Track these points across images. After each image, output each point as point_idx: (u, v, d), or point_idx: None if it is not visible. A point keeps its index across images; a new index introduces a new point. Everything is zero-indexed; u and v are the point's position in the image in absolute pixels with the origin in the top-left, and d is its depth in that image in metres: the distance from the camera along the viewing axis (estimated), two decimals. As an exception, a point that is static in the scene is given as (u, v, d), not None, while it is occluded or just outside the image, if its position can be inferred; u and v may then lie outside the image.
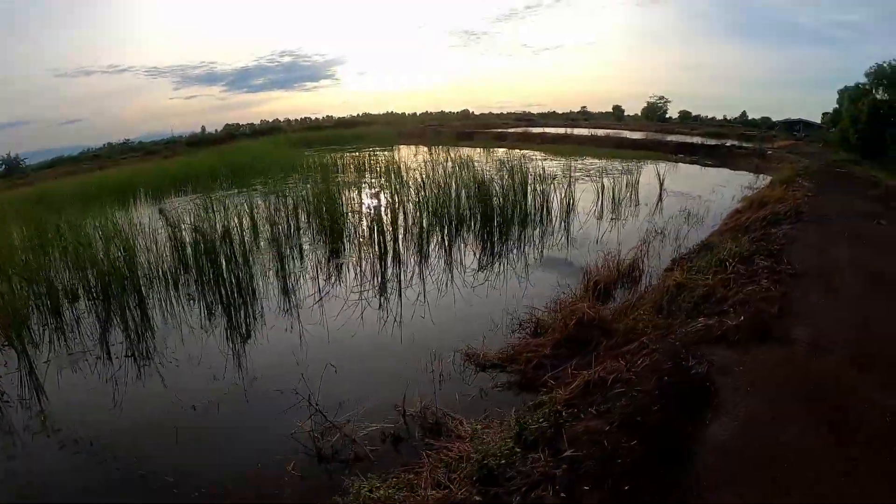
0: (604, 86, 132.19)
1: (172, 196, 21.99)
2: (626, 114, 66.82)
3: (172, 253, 10.94)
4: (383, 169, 22.47)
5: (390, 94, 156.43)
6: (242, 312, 9.14)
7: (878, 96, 28.14)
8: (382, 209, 13.20)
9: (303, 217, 14.41)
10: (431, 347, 6.84)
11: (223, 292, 9.73)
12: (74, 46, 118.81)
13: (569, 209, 15.39)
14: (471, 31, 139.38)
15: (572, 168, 23.98)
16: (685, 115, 61.30)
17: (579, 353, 6.39)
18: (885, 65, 28.55)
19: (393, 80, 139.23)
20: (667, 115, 62.23)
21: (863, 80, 29.41)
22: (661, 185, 18.56)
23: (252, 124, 68.07)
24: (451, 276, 10.47)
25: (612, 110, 68.59)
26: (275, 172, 22.75)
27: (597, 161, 26.72)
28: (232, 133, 58.69)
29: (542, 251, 12.08)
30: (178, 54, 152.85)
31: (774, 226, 10.82)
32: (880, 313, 6.07)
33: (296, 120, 71.78)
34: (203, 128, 66.33)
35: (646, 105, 64.65)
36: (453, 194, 14.35)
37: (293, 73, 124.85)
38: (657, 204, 16.88)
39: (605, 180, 18.14)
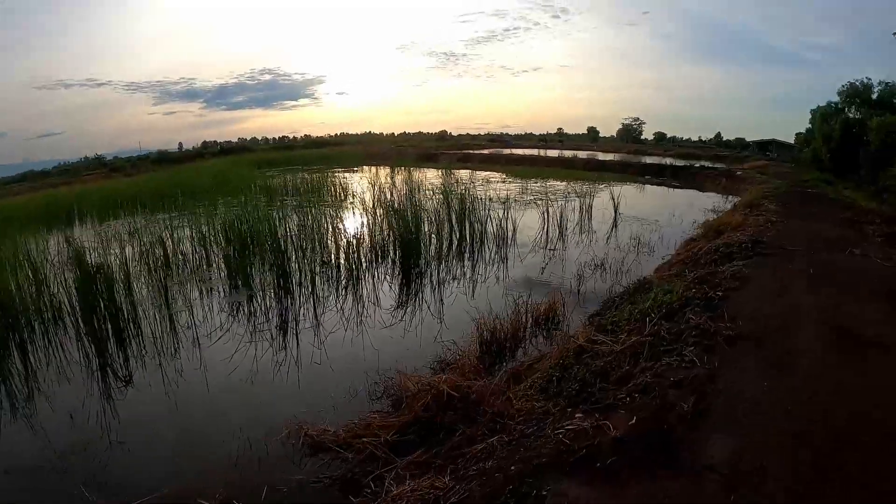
0: (580, 107, 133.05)
1: (117, 218, 19.83)
2: (601, 135, 65.92)
3: (64, 287, 8.86)
4: (328, 192, 20.78)
5: (369, 114, 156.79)
6: (104, 360, 7.24)
7: (851, 115, 26.95)
8: (303, 238, 11.29)
9: (216, 245, 12.25)
10: (282, 414, 5.34)
11: (95, 334, 7.79)
12: (54, 58, 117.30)
13: (508, 239, 13.40)
14: (450, 53, 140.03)
15: (529, 191, 22.38)
16: (660, 137, 60.56)
17: (429, 442, 4.60)
18: (857, 83, 27.31)
19: (372, 101, 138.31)
20: (642, 137, 61.38)
21: (836, 99, 28.22)
22: (616, 209, 16.69)
23: (229, 141, 66.40)
24: (360, 318, 8.53)
25: (587, 131, 67.46)
26: (216, 195, 20.62)
27: (559, 183, 24.83)
28: (200, 152, 56.62)
29: (473, 288, 9.97)
30: (158, 69, 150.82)
31: (725, 260, 8.78)
32: (845, 405, 3.94)
33: (274, 139, 70.19)
34: (180, 144, 64.93)
35: (621, 126, 63.93)
36: (381, 221, 12.48)
37: (273, 92, 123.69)
38: (610, 231, 14.96)
39: (556, 205, 16.35)
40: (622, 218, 16.33)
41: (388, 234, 12.13)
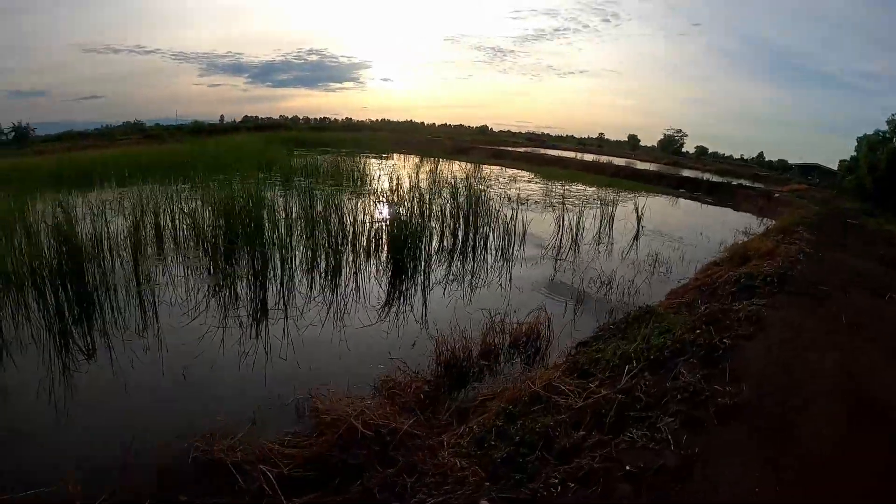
0: (624, 114, 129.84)
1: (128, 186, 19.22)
2: (642, 144, 63.72)
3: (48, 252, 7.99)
4: (348, 177, 19.82)
5: (412, 103, 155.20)
6: (63, 336, 6.49)
7: (899, 145, 24.91)
8: (298, 224, 10.57)
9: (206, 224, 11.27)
10: (209, 415, 4.69)
11: (60, 307, 7.06)
12: (105, 23, 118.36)
13: (515, 244, 12.26)
14: (497, 48, 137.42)
15: (553, 193, 20.99)
16: (701, 151, 58.19)
17: (327, 485, 3.83)
18: (908, 113, 25.26)
19: (416, 89, 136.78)
20: (683, 149, 59.02)
21: (884, 128, 26.20)
22: (639, 221, 15.34)
23: (270, 118, 66.17)
24: (340, 314, 7.68)
25: (627, 139, 65.34)
26: (233, 171, 19.79)
27: (587, 188, 23.44)
28: (236, 125, 56.36)
29: (465, 294, 8.90)
30: (206, 41, 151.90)
31: (745, 295, 7.48)
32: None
33: (315, 119, 69.75)
34: (222, 117, 64.60)
35: (662, 137, 61.76)
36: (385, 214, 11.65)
37: (319, 73, 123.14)
38: (629, 245, 13.63)
39: (576, 211, 15.03)
40: (645, 232, 15.00)
41: (389, 228, 11.09)
